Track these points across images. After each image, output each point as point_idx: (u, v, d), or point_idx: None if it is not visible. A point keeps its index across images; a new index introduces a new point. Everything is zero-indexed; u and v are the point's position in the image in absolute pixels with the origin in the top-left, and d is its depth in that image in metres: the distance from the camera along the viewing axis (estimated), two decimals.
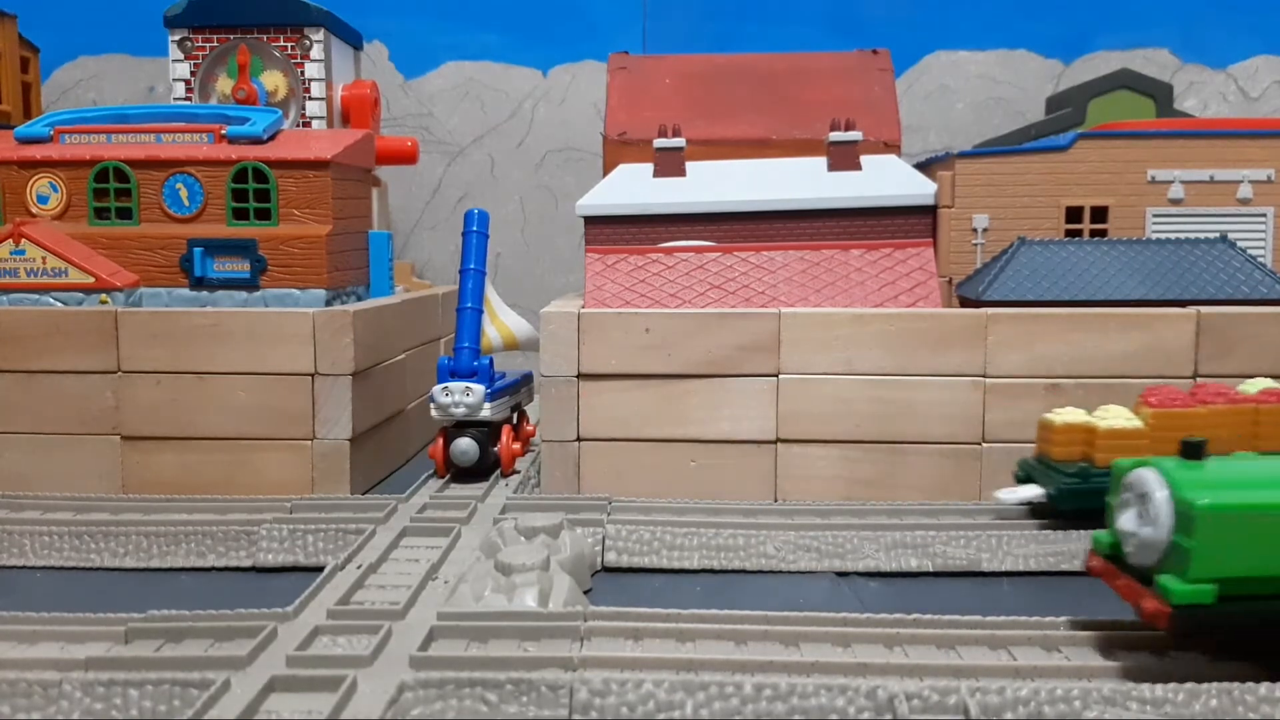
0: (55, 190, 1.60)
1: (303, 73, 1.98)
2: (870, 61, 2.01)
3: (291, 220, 1.59)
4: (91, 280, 1.53)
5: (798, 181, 1.73)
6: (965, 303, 1.55)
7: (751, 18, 2.53)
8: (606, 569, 1.26)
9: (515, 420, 1.68)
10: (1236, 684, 0.86)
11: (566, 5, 2.56)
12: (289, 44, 1.97)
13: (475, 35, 2.58)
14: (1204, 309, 1.41)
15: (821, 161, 1.76)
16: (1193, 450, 0.94)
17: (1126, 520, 0.94)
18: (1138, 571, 0.93)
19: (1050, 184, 1.67)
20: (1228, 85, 2.50)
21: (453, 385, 1.55)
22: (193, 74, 1.98)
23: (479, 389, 1.54)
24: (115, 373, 1.48)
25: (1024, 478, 1.33)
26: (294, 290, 1.58)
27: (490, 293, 1.72)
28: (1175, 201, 1.66)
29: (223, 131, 1.63)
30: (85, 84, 2.59)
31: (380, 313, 1.62)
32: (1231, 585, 0.88)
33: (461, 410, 1.54)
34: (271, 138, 1.64)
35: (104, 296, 1.53)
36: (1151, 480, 0.92)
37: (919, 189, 1.70)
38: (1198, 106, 2.48)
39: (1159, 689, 0.85)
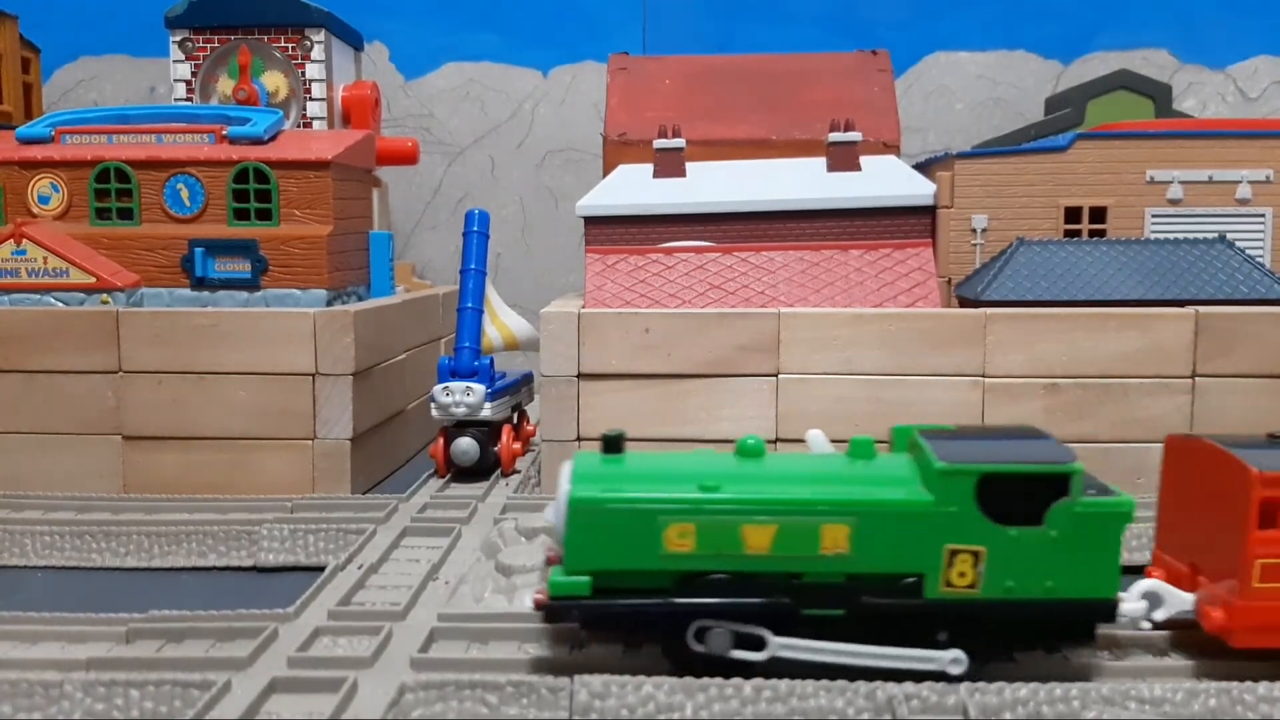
0: (56, 190, 1.61)
1: (303, 73, 1.98)
2: (870, 62, 2.01)
3: (292, 220, 1.60)
4: (93, 280, 1.54)
5: (797, 182, 1.73)
6: (964, 303, 1.56)
7: (751, 18, 2.53)
8: None
9: (515, 420, 1.68)
10: (1235, 683, 0.86)
11: (566, 6, 2.56)
12: (290, 45, 1.97)
13: (476, 36, 2.58)
14: (1202, 309, 1.42)
15: (821, 162, 1.77)
16: (611, 444, 0.95)
17: (549, 512, 0.95)
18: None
19: (1049, 184, 1.67)
20: (1227, 86, 2.51)
21: (453, 385, 1.55)
22: (194, 75, 1.99)
23: (479, 389, 1.55)
24: (116, 373, 1.48)
25: None
26: (295, 290, 1.58)
27: (491, 293, 1.72)
28: (1174, 202, 1.66)
29: (224, 132, 1.63)
30: (86, 84, 2.59)
31: (381, 313, 1.62)
32: (611, 578, 0.89)
33: (462, 410, 1.55)
34: (272, 138, 1.64)
35: (105, 297, 1.53)
36: (564, 473, 0.93)
37: (918, 189, 1.70)
38: (1197, 107, 2.48)
39: (1158, 689, 0.86)
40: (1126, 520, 0.90)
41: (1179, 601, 0.96)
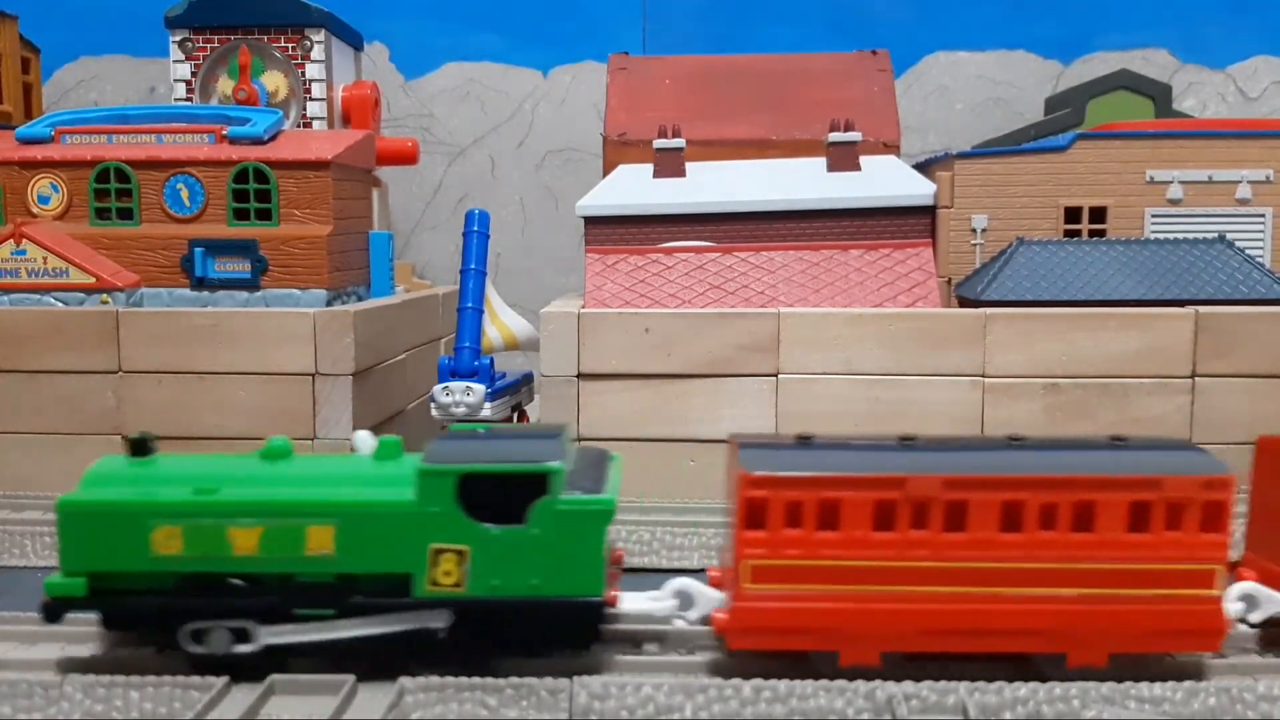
0: (56, 190, 1.61)
1: (303, 73, 1.98)
2: (869, 62, 2.01)
3: (292, 220, 1.60)
4: (92, 280, 1.54)
5: (797, 182, 1.73)
6: (964, 303, 1.56)
7: (751, 18, 2.53)
8: None
9: (515, 420, 1.68)
10: (1235, 682, 0.86)
11: (566, 6, 2.56)
12: (290, 45, 1.97)
13: (475, 36, 2.58)
14: (1202, 309, 1.42)
15: (821, 162, 1.76)
16: (138, 447, 0.96)
17: None
18: None
19: (1049, 184, 1.67)
20: (1227, 86, 2.51)
21: (453, 385, 1.55)
22: (194, 75, 1.98)
23: (479, 389, 1.54)
24: (116, 373, 1.48)
25: None
26: (295, 290, 1.59)
27: (491, 293, 1.72)
28: (1174, 202, 1.66)
29: (224, 132, 1.63)
30: (86, 84, 2.59)
31: (381, 313, 1.62)
32: (113, 579, 0.91)
33: (462, 410, 1.54)
34: (272, 138, 1.64)
35: (105, 297, 1.54)
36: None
37: (918, 189, 1.70)
38: (1197, 107, 2.48)
39: (1158, 687, 0.86)
40: (607, 519, 0.90)
41: (709, 601, 0.95)
